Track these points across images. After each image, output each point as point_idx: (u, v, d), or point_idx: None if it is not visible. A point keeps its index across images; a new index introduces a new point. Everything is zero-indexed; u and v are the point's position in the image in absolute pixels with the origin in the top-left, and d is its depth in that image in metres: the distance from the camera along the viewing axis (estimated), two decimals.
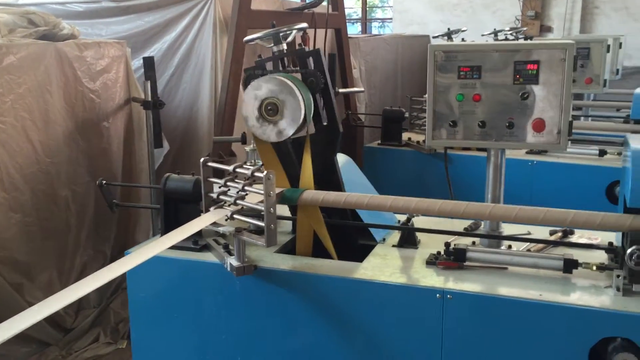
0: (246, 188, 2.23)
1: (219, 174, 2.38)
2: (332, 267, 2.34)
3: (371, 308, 2.21)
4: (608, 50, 4.53)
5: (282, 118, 2.25)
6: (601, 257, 2.25)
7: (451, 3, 10.59)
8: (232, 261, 2.29)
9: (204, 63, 4.59)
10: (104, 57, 4.01)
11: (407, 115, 5.18)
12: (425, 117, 2.98)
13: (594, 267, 2.13)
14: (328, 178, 2.55)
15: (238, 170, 2.29)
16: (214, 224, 2.32)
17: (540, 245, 2.40)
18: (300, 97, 2.23)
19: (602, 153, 4.36)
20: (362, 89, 5.68)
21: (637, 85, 4.42)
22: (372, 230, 2.59)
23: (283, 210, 2.62)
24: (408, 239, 2.52)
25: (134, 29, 4.78)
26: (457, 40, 6.01)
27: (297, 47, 2.48)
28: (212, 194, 2.34)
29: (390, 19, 11.79)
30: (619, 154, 4.18)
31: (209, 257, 2.44)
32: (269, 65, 2.46)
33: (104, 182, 2.78)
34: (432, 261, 2.30)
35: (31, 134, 3.55)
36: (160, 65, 4.62)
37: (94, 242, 4.02)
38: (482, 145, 2.32)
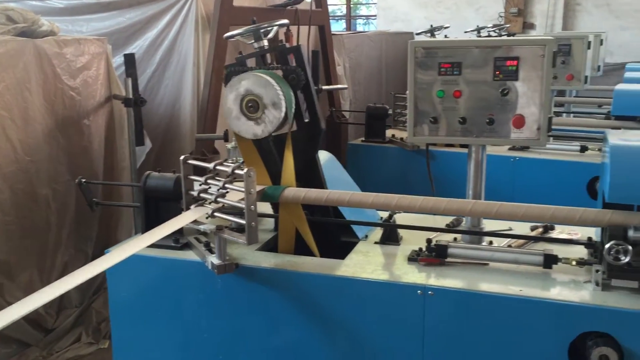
0: (227, 186, 2.22)
1: (201, 171, 2.36)
2: (314, 264, 2.33)
3: (353, 305, 2.21)
4: (589, 47, 4.55)
5: (263, 115, 2.24)
6: (581, 252, 2.26)
7: (435, 0, 10.61)
8: (213, 259, 2.28)
9: (186, 60, 4.55)
10: (84, 54, 3.96)
11: (390, 112, 5.19)
12: None
13: (574, 262, 2.15)
14: (310, 175, 2.54)
15: (219, 167, 2.28)
16: (195, 222, 2.30)
17: (521, 241, 2.42)
18: (281, 94, 2.22)
19: (584, 149, 4.40)
20: (346, 86, 5.68)
21: (618, 82, 4.45)
22: (354, 227, 2.58)
23: (265, 207, 2.61)
24: (390, 235, 2.52)
25: (115, 26, 4.73)
26: (440, 37, 6.03)
27: (279, 43, 2.46)
28: (192, 192, 2.33)
29: (375, 16, 11.79)
30: (600, 149, 4.21)
31: (190, 255, 2.43)
32: (252, 62, 2.45)
33: (84, 180, 2.74)
34: (414, 258, 2.30)
35: (10, 132, 3.50)
36: (142, 62, 4.58)
37: (75, 241, 3.99)
38: (463, 141, 2.33)
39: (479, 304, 2.06)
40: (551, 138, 4.75)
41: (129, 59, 4.03)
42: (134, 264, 2.29)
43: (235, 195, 2.20)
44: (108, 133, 4.20)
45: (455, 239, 2.46)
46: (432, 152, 4.54)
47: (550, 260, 2.15)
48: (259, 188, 2.28)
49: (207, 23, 4.52)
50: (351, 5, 12.56)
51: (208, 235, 2.50)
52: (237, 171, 2.19)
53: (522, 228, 2.54)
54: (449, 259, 2.26)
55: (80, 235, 4.03)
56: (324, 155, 2.77)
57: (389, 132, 5.15)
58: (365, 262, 2.32)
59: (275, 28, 2.44)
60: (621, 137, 2.04)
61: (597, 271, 2.02)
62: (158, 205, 2.53)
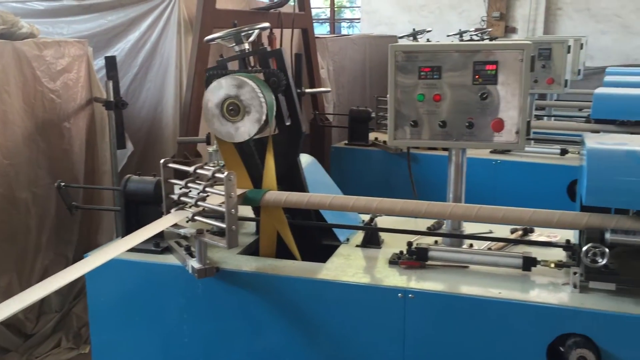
0: (207, 189, 2.21)
1: (182, 175, 2.35)
2: (295, 268, 2.33)
3: (334, 308, 2.21)
4: (569, 51, 4.61)
5: (244, 118, 2.24)
6: (560, 254, 2.28)
7: (418, 4, 10.67)
8: (194, 263, 2.26)
9: (169, 62, 4.53)
10: (65, 57, 3.92)
11: (373, 115, 5.21)
12: None
13: (552, 265, 2.17)
14: (291, 178, 2.54)
15: (199, 171, 2.27)
16: (176, 225, 2.29)
17: (501, 244, 2.43)
18: (261, 97, 2.21)
19: (564, 152, 4.46)
20: (329, 89, 5.69)
21: (598, 86, 4.50)
22: (336, 230, 2.59)
23: (247, 211, 2.60)
24: (371, 239, 2.52)
25: (96, 28, 4.69)
26: (422, 40, 6.06)
27: (260, 47, 2.46)
28: (173, 196, 2.31)
29: (359, 19, 11.83)
30: (580, 152, 4.26)
31: (170, 259, 2.41)
32: (235, 65, 2.44)
33: (63, 184, 2.72)
34: (395, 261, 2.31)
35: None
36: (123, 64, 4.55)
37: (55, 245, 3.94)
38: (443, 145, 2.34)
39: (459, 307, 2.07)
40: (532, 141, 4.80)
41: (110, 62, 4.00)
42: (113, 268, 2.27)
43: (215, 199, 2.20)
44: (89, 136, 4.17)
45: (436, 241, 2.47)
46: (414, 155, 4.56)
47: (529, 263, 2.17)
48: (240, 191, 2.27)
49: (190, 26, 4.51)
50: (335, 9, 12.59)
51: (189, 239, 2.49)
52: (217, 175, 2.18)
53: (503, 231, 2.56)
54: (429, 262, 2.27)
55: (61, 239, 3.98)
56: (305, 159, 2.77)
57: (372, 135, 5.16)
58: (347, 266, 2.33)
59: (256, 31, 2.43)
60: (598, 141, 2.06)
61: (575, 273, 2.04)
62: (138, 209, 2.51)
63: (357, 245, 2.53)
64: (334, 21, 12.47)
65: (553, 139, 4.87)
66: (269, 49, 2.45)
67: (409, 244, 2.32)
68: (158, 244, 2.46)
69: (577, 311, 1.94)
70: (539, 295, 2.04)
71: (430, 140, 2.35)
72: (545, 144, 4.73)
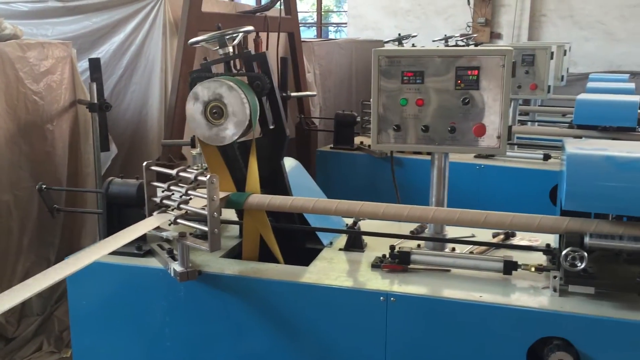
0: (190, 192, 2.20)
1: (165, 178, 2.34)
2: (278, 271, 2.33)
3: (317, 312, 2.21)
4: (552, 57, 4.66)
5: (227, 121, 2.24)
6: (540, 258, 2.31)
7: (404, 9, 10.73)
8: (176, 266, 2.26)
9: (154, 65, 4.52)
10: (48, 58, 3.90)
11: (359, 119, 5.23)
12: None
13: (533, 269, 2.18)
14: (275, 182, 2.54)
15: (182, 174, 2.26)
16: (158, 228, 2.28)
17: (483, 248, 2.45)
18: (245, 101, 2.22)
19: (547, 157, 4.50)
20: (315, 93, 5.70)
21: (582, 91, 4.56)
22: (319, 234, 2.59)
23: (230, 214, 2.59)
24: (354, 242, 2.53)
25: (81, 30, 4.67)
26: (408, 45, 6.10)
27: (244, 50, 2.46)
28: (155, 199, 2.30)
29: (345, 24, 11.86)
30: (560, 158, 4.31)
31: (152, 262, 2.40)
32: (220, 68, 2.44)
33: (44, 186, 2.69)
34: (377, 264, 2.32)
35: None
36: (108, 67, 4.53)
37: (37, 247, 3.91)
38: (425, 149, 2.36)
39: (441, 310, 2.08)
40: (516, 146, 4.85)
41: (94, 64, 3.98)
42: (95, 271, 2.26)
43: (198, 202, 2.19)
44: (72, 138, 4.14)
45: (418, 245, 2.48)
46: (399, 159, 4.58)
47: (510, 267, 2.18)
48: (223, 195, 2.27)
49: (175, 28, 4.50)
50: (322, 13, 12.62)
51: (171, 242, 2.48)
52: (200, 177, 2.18)
53: (485, 235, 2.58)
54: (411, 266, 2.28)
55: (43, 242, 3.95)
56: (289, 162, 2.77)
57: (357, 139, 5.18)
58: (329, 269, 2.33)
59: (240, 34, 2.43)
60: (578, 146, 2.08)
61: (554, 277, 2.06)
62: (121, 212, 2.50)
63: (340, 249, 2.53)
64: (321, 25, 12.49)
65: (536, 144, 4.93)
66: (253, 52, 2.45)
67: (392, 247, 2.33)
68: (140, 247, 2.44)
69: (557, 315, 1.96)
70: (519, 298, 2.06)
71: (413, 144, 2.37)
72: (528, 149, 4.78)
